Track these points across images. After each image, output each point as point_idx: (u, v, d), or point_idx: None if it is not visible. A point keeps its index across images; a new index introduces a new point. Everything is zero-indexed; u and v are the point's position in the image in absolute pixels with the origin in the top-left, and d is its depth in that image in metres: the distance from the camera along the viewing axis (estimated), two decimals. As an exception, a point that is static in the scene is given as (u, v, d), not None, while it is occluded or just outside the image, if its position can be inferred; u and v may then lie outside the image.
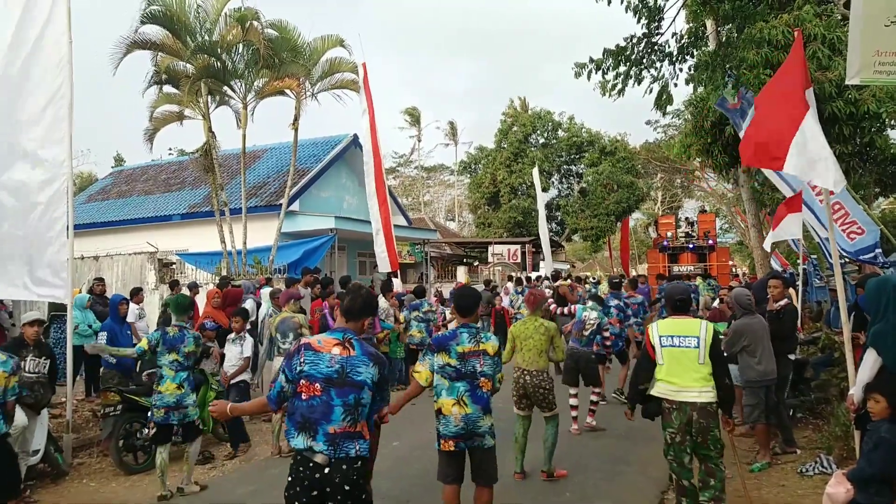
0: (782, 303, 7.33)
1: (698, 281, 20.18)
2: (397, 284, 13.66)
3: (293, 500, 3.37)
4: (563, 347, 6.73)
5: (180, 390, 6.36)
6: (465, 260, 33.37)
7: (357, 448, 3.41)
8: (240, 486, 6.64)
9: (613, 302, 9.94)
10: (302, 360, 3.49)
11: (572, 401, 8.26)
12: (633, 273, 30.44)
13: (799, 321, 9.64)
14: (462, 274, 26.59)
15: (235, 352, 8.30)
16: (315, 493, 3.34)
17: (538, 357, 6.42)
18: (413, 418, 9.23)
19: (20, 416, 6.11)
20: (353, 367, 3.47)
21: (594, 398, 8.57)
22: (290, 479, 3.42)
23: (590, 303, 9.00)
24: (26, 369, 6.52)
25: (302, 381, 3.45)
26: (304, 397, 3.43)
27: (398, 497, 6.18)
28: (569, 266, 40.85)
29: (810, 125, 5.32)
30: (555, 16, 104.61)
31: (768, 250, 12.91)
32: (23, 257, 6.59)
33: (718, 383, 4.73)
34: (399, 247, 15.82)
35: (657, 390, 4.88)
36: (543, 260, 22.16)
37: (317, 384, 3.43)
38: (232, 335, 8.41)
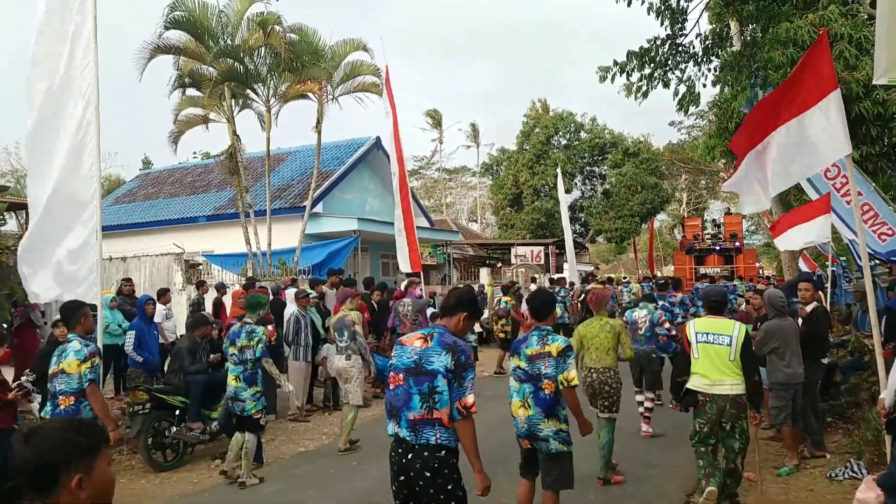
0: (813, 305, 7.26)
1: (737, 282, 20.22)
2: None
3: (392, 481, 3.64)
4: (629, 344, 6.76)
5: (237, 383, 6.74)
6: (487, 261, 33.32)
7: (437, 436, 3.50)
8: (266, 486, 6.71)
9: (660, 302, 10.02)
10: (392, 354, 3.84)
11: (639, 397, 8.40)
12: (658, 274, 30.25)
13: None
14: (485, 275, 26.54)
15: None
16: (402, 477, 3.55)
17: (605, 355, 6.46)
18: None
19: None
20: (427, 357, 3.61)
21: (649, 405, 8.38)
22: (389, 461, 3.66)
23: (640, 303, 9.19)
24: None
25: (391, 374, 3.73)
26: (391, 387, 3.70)
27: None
28: (592, 268, 40.59)
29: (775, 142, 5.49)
30: (574, 16, 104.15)
31: (781, 250, 12.61)
32: (53, 258, 6.72)
33: (747, 380, 5.08)
34: (421, 248, 15.87)
35: (692, 383, 5.27)
36: (567, 262, 22.07)
37: (400, 374, 3.67)
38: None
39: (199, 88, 17.07)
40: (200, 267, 17.35)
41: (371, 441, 8.09)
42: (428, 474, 3.46)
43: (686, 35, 12.20)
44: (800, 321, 7.21)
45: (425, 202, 45.24)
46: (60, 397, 5.40)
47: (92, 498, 1.81)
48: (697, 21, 12.62)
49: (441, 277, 25.23)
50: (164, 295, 11.48)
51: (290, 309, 10.14)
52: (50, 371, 5.54)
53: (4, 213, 7.91)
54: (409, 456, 3.51)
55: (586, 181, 46.11)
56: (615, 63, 11.60)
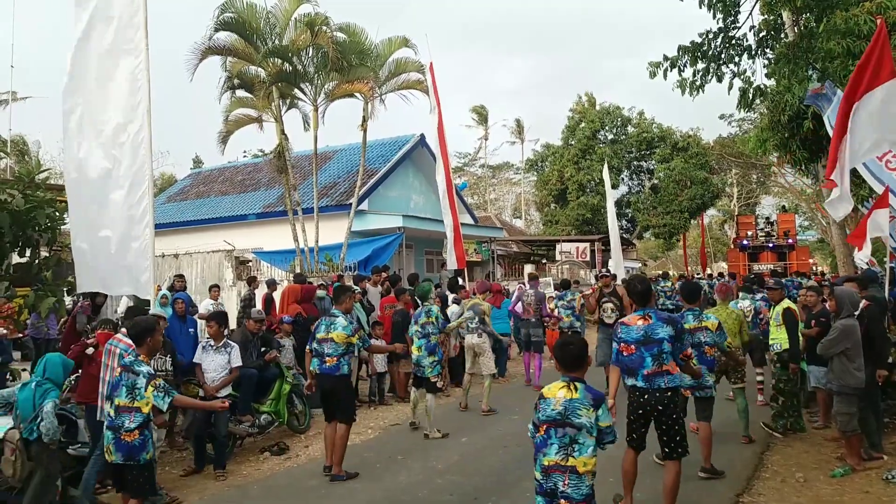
0: (863, 304, 7.00)
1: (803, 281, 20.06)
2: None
3: (630, 415, 5.31)
4: (748, 331, 8.21)
5: (419, 352, 8.40)
6: (532, 258, 33.16)
7: (665, 381, 5.18)
8: (311, 479, 6.83)
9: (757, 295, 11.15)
10: (619, 331, 5.41)
11: (759, 377, 10.01)
12: (709, 271, 29.97)
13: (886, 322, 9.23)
14: (530, 271, 26.44)
15: (219, 361, 7.37)
16: (641, 411, 5.26)
17: (733, 338, 7.55)
18: (482, 418, 9.30)
19: None
20: (653, 330, 5.22)
21: (760, 378, 10.09)
22: (628, 406, 5.32)
23: (741, 294, 10.96)
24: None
25: (622, 345, 5.32)
26: (625, 354, 5.30)
27: (467, 493, 6.23)
28: (640, 264, 40.05)
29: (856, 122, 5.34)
30: (618, 10, 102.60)
31: (864, 260, 11.97)
32: (109, 256, 6.92)
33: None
34: (465, 245, 15.89)
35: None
36: (612, 258, 21.81)
37: (631, 346, 5.26)
38: (208, 341, 7.54)
39: (249, 89, 17.39)
40: (250, 263, 17.69)
41: (414, 440, 8.18)
42: (661, 408, 5.18)
43: (739, 27, 11.88)
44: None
45: (469, 199, 45.25)
46: (124, 433, 4.95)
47: None
48: (750, 13, 12.27)
49: (486, 274, 25.21)
50: (213, 290, 11.74)
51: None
52: (119, 402, 5.01)
53: (65, 214, 8.17)
54: (646, 397, 5.20)
55: (633, 176, 45.36)
56: (665, 58, 11.36)
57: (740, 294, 10.78)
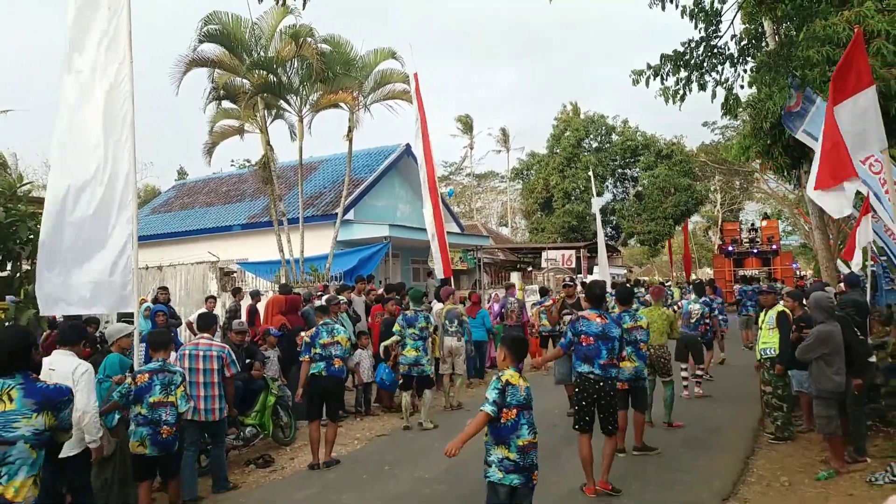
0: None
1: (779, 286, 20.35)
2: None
3: (582, 401, 6.14)
4: (678, 329, 9.33)
5: (417, 353, 9.09)
6: (518, 266, 33.20)
7: (615, 371, 6.23)
8: (296, 491, 6.78)
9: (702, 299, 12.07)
10: (580, 324, 6.22)
11: (683, 373, 10.62)
12: (693, 276, 30.27)
13: (867, 326, 9.33)
14: (516, 279, 26.46)
15: None
16: (593, 397, 6.08)
17: (660, 336, 8.58)
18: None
19: None
20: (609, 329, 6.15)
21: (699, 372, 11.03)
22: (577, 390, 6.25)
23: (692, 296, 11.99)
24: None
25: (582, 336, 6.17)
26: (584, 344, 6.15)
27: (454, 502, 6.22)
28: (625, 270, 40.20)
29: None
30: (595, 15, 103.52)
31: (858, 268, 12.01)
32: (91, 272, 6.81)
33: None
34: (452, 253, 15.90)
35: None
36: (598, 265, 21.90)
37: (591, 338, 6.13)
38: None
39: (234, 100, 17.34)
40: (235, 275, 17.60)
41: (401, 450, 8.15)
42: (612, 393, 6.15)
43: (721, 36, 12.00)
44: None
45: (455, 207, 45.29)
46: (163, 426, 5.68)
47: None
48: (732, 22, 12.40)
49: (472, 283, 25.21)
50: (209, 300, 11.78)
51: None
52: (153, 399, 5.72)
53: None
54: (600, 384, 6.05)
55: (618, 184, 45.63)
56: (648, 67, 11.45)
57: (692, 297, 11.97)
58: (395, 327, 9.43)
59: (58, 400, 3.73)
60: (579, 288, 11.91)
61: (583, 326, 6.18)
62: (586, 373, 6.11)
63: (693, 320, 11.08)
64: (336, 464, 7.49)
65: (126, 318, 8.98)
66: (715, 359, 13.05)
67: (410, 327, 9.20)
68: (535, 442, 4.46)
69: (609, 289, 19.20)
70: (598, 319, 6.17)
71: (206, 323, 7.33)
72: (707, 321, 11.45)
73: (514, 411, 4.38)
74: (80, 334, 5.74)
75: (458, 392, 10.67)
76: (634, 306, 8.44)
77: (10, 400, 3.61)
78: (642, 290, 18.80)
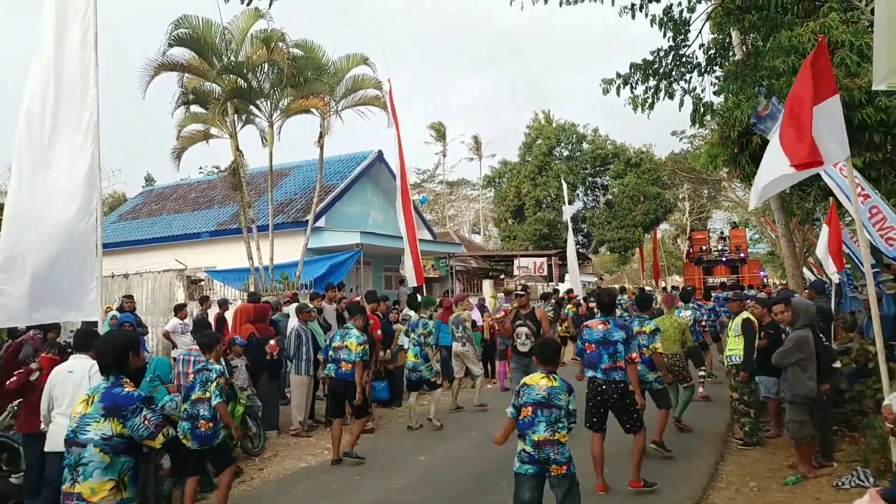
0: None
1: (754, 293, 20.75)
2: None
3: (589, 401, 6.37)
4: (690, 337, 9.64)
5: (416, 359, 9.50)
6: (490, 273, 33.26)
7: (619, 374, 6.26)
8: (267, 501, 6.65)
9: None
10: (584, 333, 6.55)
11: (701, 374, 11.21)
12: (662, 284, 30.65)
13: (832, 332, 9.51)
14: (487, 287, 26.48)
15: None
16: (599, 398, 6.32)
17: (672, 344, 8.74)
18: (441, 435, 9.23)
19: None
20: (610, 334, 6.32)
21: (702, 374, 11.36)
22: (586, 392, 6.35)
23: (681, 303, 11.75)
24: None
25: (586, 344, 6.45)
26: (588, 351, 6.43)
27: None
28: (596, 278, 40.52)
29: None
30: (565, 21, 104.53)
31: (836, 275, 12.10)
32: (52, 280, 6.63)
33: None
34: (424, 261, 15.84)
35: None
36: (569, 273, 22.03)
37: (592, 345, 6.38)
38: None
39: (203, 105, 17.10)
40: (202, 283, 17.32)
41: (373, 456, 8.06)
42: (616, 396, 6.26)
43: (689, 46, 12.17)
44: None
45: (427, 215, 45.24)
46: (200, 421, 5.90)
47: None
48: (700, 32, 12.59)
49: (444, 290, 25.17)
50: (181, 310, 11.68)
51: (292, 323, 10.10)
52: (195, 396, 6.02)
53: None
54: (603, 387, 6.27)
55: (588, 192, 46.05)
56: (618, 75, 11.56)
57: (681, 304, 11.74)
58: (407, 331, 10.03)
59: (124, 407, 3.66)
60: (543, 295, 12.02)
61: (586, 335, 6.51)
62: (592, 377, 6.39)
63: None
64: (358, 459, 7.76)
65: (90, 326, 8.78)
66: (714, 358, 12.95)
67: (412, 332, 9.73)
68: (555, 439, 4.67)
69: (582, 294, 19.42)
70: (601, 326, 6.41)
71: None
72: (703, 324, 12.18)
73: (530, 409, 4.73)
74: (93, 339, 5.68)
75: (477, 392, 11.08)
76: (641, 314, 8.33)
77: (91, 403, 3.68)
78: (625, 297, 18.97)
